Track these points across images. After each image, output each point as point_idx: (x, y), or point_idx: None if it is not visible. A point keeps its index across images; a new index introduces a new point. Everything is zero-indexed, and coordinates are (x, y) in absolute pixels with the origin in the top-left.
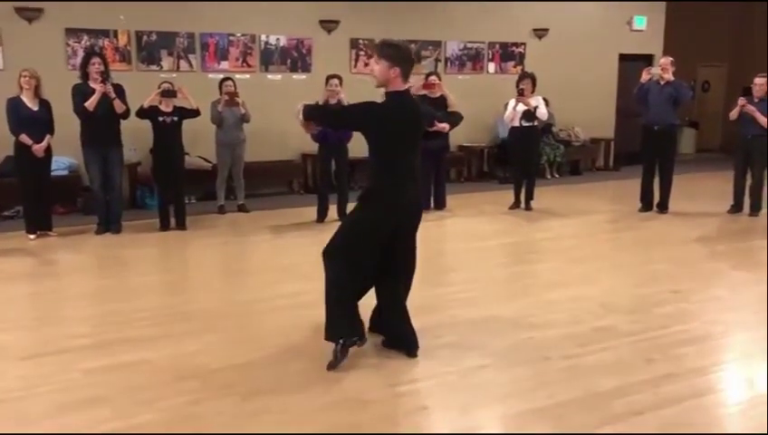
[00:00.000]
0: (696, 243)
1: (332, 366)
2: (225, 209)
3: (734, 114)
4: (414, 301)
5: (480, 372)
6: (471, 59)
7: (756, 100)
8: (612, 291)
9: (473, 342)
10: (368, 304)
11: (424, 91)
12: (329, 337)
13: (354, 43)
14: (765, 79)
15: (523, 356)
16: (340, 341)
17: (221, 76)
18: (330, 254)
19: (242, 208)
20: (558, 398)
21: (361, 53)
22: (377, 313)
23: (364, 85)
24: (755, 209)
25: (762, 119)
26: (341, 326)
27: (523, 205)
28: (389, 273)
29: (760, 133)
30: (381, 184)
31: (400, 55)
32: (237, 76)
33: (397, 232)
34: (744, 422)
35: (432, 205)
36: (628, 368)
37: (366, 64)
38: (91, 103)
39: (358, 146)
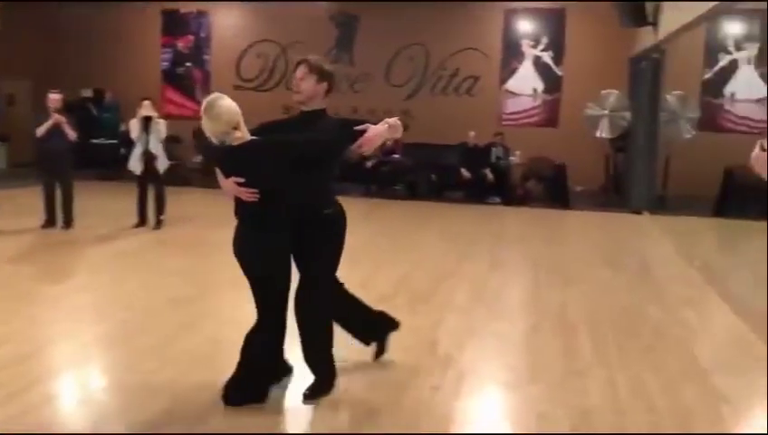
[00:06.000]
0: (8, 264)
1: None
2: None
3: (41, 130)
4: None
5: None
6: None
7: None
8: None
9: None
10: None
11: None
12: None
13: None
14: (58, 94)
15: None
16: None
17: None
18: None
19: None
20: None
21: None
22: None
23: None
24: (68, 222)
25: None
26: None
27: None
28: None
29: (66, 147)
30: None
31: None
32: None
33: None
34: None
35: None
36: None
37: None
38: None
39: None
